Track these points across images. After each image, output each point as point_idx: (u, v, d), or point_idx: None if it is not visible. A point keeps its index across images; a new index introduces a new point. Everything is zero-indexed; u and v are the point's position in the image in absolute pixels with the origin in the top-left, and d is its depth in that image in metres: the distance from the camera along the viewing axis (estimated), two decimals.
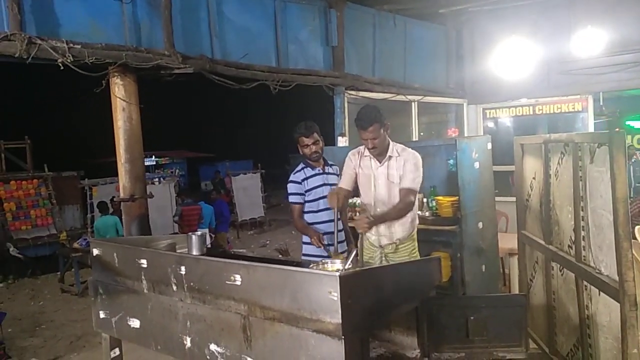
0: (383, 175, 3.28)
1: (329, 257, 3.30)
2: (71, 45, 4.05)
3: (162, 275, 2.74)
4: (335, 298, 2.00)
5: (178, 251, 3.36)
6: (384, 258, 3.30)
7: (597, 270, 2.94)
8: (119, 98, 4.50)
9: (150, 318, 2.88)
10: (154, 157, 22.87)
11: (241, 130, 28.30)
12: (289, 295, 2.18)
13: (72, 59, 4.01)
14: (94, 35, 4.37)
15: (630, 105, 11.35)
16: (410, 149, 3.31)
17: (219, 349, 2.49)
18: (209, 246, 3.43)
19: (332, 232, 3.60)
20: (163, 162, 23.47)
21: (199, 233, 3.26)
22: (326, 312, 2.04)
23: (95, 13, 4.45)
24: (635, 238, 4.15)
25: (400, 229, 3.29)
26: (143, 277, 2.88)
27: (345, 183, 3.39)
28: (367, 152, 3.32)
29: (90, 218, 9.95)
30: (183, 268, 2.63)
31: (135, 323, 2.99)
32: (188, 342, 2.66)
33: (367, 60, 6.89)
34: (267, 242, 11.82)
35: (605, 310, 2.93)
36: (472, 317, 2.75)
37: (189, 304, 2.63)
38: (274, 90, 5.47)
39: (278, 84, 5.52)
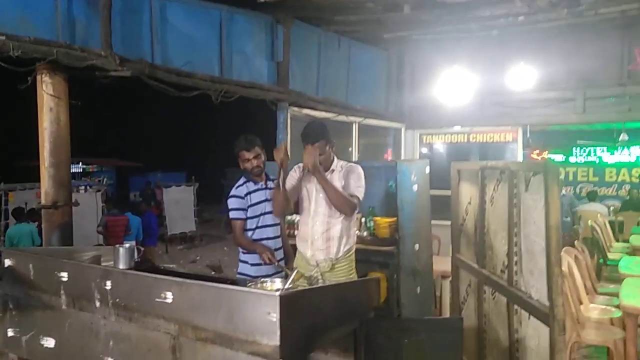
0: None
1: (268, 276, 3.21)
2: None
3: (85, 290, 2.54)
4: (275, 319, 1.92)
5: (103, 264, 3.13)
6: (320, 277, 3.24)
7: (527, 295, 3.02)
8: (47, 96, 4.19)
9: (68, 337, 2.66)
10: (81, 163, 21.69)
11: (175, 141, 27.54)
12: (224, 315, 2.07)
13: None
14: (22, 28, 4.05)
15: (553, 139, 12.20)
16: (352, 163, 3.35)
17: None
18: (137, 260, 3.21)
19: (279, 248, 3.52)
20: (90, 170, 22.31)
21: (127, 245, 3.06)
22: (263, 334, 1.95)
23: (24, 4, 4.15)
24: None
25: (337, 242, 3.25)
26: (62, 291, 2.65)
27: (289, 185, 3.31)
28: None
29: (4, 225, 9.21)
30: (109, 283, 2.45)
31: (49, 342, 2.74)
32: None
33: (311, 79, 6.92)
34: (198, 257, 11.44)
35: (534, 334, 3.01)
36: (408, 340, 2.75)
37: (112, 322, 2.45)
38: (216, 100, 5.32)
39: (220, 94, 5.38)
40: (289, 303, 1.95)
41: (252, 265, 3.45)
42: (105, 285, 2.46)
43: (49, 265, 2.75)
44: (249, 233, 3.50)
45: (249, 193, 3.50)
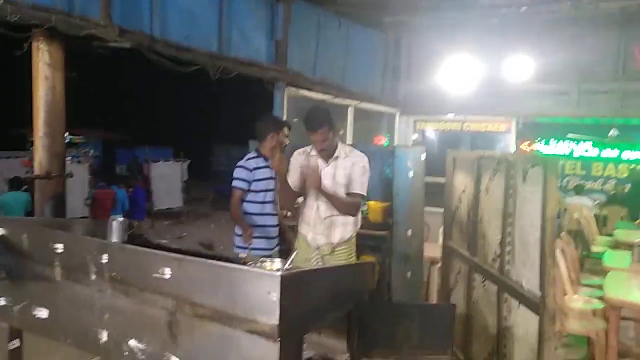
0: (329, 175, 3.24)
1: (261, 250, 3.39)
2: None
3: (80, 263, 2.51)
4: (275, 299, 1.92)
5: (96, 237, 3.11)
6: (320, 260, 3.26)
7: (519, 284, 3.07)
8: (43, 64, 4.09)
9: (61, 308, 2.64)
10: (67, 134, 21.33)
11: (164, 116, 27.18)
12: (223, 293, 2.07)
13: None
14: None
15: (542, 131, 12.28)
16: (357, 151, 3.31)
17: (139, 345, 2.32)
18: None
19: (269, 226, 3.61)
20: (77, 141, 21.92)
21: (120, 219, 3.05)
22: (263, 313, 1.95)
23: None
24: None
25: (340, 229, 3.28)
26: (57, 263, 2.62)
27: (293, 181, 3.32)
28: (313, 152, 3.28)
29: None
30: (105, 256, 2.43)
31: (42, 313, 2.72)
32: (104, 336, 2.45)
33: (309, 59, 6.85)
34: (184, 234, 11.41)
35: (523, 323, 3.07)
36: (401, 324, 2.79)
37: (108, 296, 2.43)
38: (213, 77, 5.26)
39: (219, 71, 5.31)
40: (289, 283, 1.95)
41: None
42: (101, 258, 2.44)
43: (44, 236, 2.72)
44: (253, 205, 3.57)
45: (257, 168, 3.60)
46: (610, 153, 12.42)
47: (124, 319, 2.40)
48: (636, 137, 11.93)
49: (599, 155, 12.59)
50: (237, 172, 3.61)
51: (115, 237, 2.92)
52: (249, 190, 3.60)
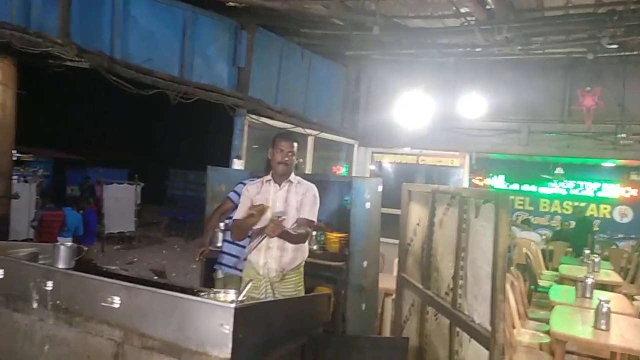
0: (281, 199, 3.32)
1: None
2: None
3: (22, 290, 2.39)
4: (227, 331, 1.88)
5: (41, 262, 2.96)
6: (269, 287, 3.25)
7: (470, 318, 3.12)
8: None
9: None
10: (15, 152, 20.37)
11: (119, 138, 26.52)
12: (174, 324, 2.01)
13: None
14: None
15: (493, 166, 12.75)
16: (310, 183, 3.45)
17: None
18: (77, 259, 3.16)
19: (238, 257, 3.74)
20: (25, 159, 20.95)
21: (68, 244, 2.93)
22: (214, 346, 1.91)
23: None
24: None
25: (291, 254, 3.31)
26: None
27: (241, 214, 3.31)
28: (269, 177, 3.37)
29: None
30: (50, 283, 2.32)
31: None
32: None
33: (271, 87, 6.91)
34: (135, 259, 11.03)
35: (474, 357, 3.10)
36: (355, 357, 2.77)
37: (50, 325, 2.32)
38: (174, 101, 5.20)
39: (179, 95, 5.27)
40: (243, 316, 1.93)
41: (238, 246, 3.73)
42: (45, 285, 2.33)
43: None
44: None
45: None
46: (556, 190, 12.99)
47: (66, 350, 2.28)
48: (580, 176, 12.55)
49: (551, 193, 13.14)
50: (238, 188, 3.78)
51: (61, 263, 2.80)
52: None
